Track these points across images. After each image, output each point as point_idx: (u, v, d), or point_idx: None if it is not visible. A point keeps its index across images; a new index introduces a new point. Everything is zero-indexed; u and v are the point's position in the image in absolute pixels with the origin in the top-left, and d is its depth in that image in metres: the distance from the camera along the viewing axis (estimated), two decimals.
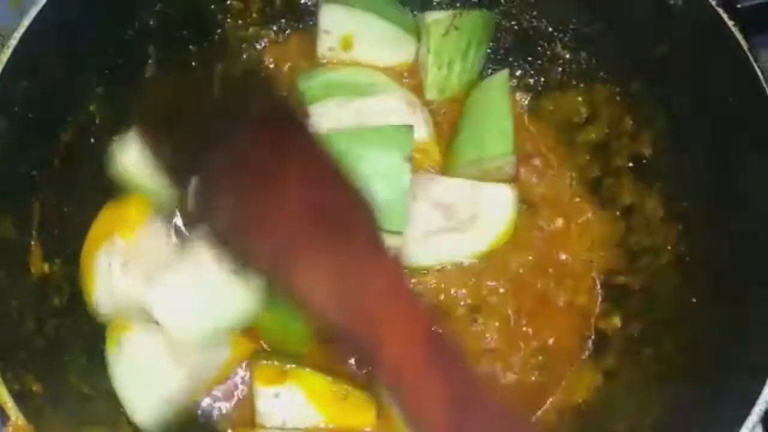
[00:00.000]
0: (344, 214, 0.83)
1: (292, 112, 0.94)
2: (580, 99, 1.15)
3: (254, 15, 1.22)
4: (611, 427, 0.98)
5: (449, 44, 1.15)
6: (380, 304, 0.76)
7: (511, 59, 1.23)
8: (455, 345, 0.78)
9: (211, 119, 0.85)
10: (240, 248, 0.82)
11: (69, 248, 1.00)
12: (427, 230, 1.08)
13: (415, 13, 1.23)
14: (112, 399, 0.94)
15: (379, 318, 0.76)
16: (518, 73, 1.23)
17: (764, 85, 0.91)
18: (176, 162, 0.87)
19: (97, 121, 1.04)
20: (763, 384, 0.80)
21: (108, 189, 1.03)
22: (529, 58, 1.21)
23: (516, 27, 1.20)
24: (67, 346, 0.95)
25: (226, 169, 0.82)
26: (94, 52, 1.02)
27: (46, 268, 0.96)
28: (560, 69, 1.17)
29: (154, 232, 1.02)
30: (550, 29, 1.16)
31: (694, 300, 0.98)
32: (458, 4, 1.21)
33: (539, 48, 1.19)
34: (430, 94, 1.20)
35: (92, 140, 1.04)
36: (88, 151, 1.03)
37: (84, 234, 1.03)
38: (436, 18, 1.16)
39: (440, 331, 0.76)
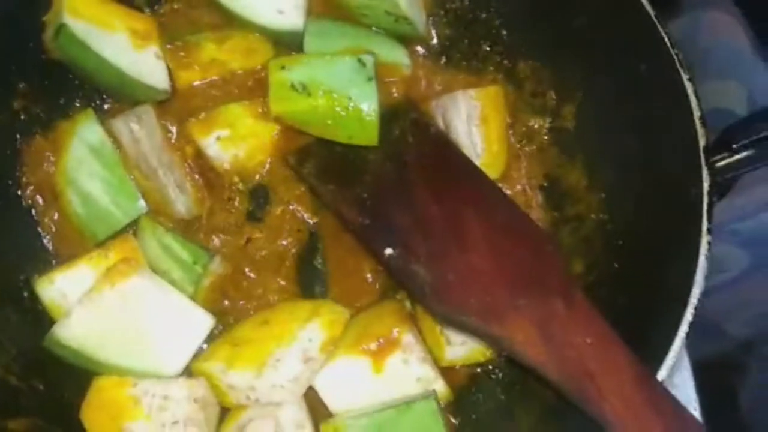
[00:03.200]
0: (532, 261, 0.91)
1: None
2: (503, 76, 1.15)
3: None
4: None
5: None
6: (590, 355, 0.81)
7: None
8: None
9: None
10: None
11: None
12: None
13: None
14: (40, 391, 0.94)
15: (592, 368, 0.80)
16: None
17: (672, 50, 0.93)
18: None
19: (22, 118, 1.05)
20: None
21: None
22: (452, 37, 1.20)
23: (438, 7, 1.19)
24: None
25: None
26: (15, 48, 1.02)
27: None
28: (485, 48, 1.17)
29: None
30: (471, 7, 1.16)
31: (616, 265, 1.00)
32: None
33: (461, 27, 1.18)
34: None
35: (18, 137, 1.05)
36: (11, 149, 1.04)
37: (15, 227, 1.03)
38: None
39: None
